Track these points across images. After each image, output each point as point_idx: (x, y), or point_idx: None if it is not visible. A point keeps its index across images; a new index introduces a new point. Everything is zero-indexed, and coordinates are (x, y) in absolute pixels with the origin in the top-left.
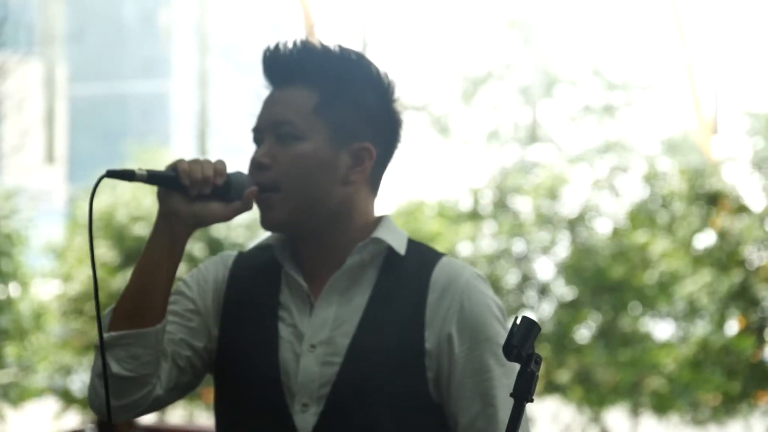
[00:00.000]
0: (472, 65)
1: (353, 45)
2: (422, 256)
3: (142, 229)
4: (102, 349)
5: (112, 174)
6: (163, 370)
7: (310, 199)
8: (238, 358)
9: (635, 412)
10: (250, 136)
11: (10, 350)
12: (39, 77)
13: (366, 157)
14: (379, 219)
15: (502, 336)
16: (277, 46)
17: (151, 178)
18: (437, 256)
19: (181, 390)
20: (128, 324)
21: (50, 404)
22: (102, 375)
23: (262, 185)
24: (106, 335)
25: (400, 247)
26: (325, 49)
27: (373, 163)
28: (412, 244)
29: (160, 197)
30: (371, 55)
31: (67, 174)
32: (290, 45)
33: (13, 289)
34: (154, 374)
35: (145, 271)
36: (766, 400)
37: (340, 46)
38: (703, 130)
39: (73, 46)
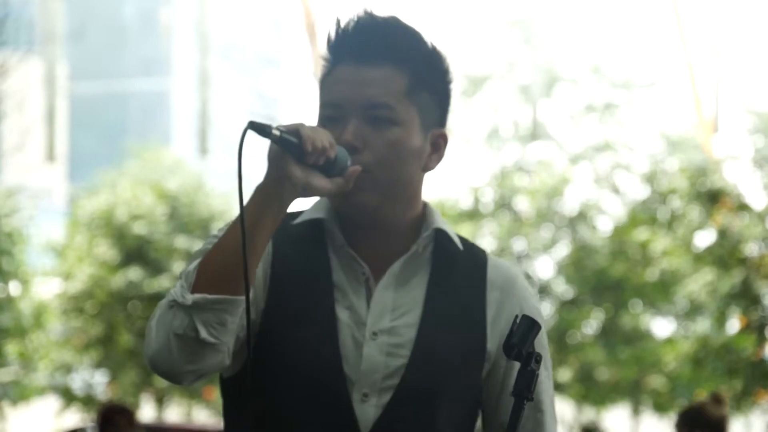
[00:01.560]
0: (472, 64)
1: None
2: (473, 251)
3: (142, 228)
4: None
5: (254, 125)
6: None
7: (399, 184)
8: (291, 338)
9: (636, 410)
10: (251, 134)
11: (11, 348)
12: (39, 76)
13: (442, 144)
14: (425, 207)
15: (546, 341)
16: (360, 19)
17: (281, 140)
18: (483, 251)
19: (238, 361)
20: (219, 288)
21: (51, 402)
22: (187, 337)
23: (360, 166)
24: (195, 296)
25: (458, 240)
26: (410, 29)
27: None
28: (461, 238)
29: (275, 160)
30: None
31: (68, 172)
32: (376, 19)
33: (13, 288)
34: (230, 343)
35: (250, 234)
36: (767, 398)
37: (413, 26)
38: (704, 129)
39: (73, 45)
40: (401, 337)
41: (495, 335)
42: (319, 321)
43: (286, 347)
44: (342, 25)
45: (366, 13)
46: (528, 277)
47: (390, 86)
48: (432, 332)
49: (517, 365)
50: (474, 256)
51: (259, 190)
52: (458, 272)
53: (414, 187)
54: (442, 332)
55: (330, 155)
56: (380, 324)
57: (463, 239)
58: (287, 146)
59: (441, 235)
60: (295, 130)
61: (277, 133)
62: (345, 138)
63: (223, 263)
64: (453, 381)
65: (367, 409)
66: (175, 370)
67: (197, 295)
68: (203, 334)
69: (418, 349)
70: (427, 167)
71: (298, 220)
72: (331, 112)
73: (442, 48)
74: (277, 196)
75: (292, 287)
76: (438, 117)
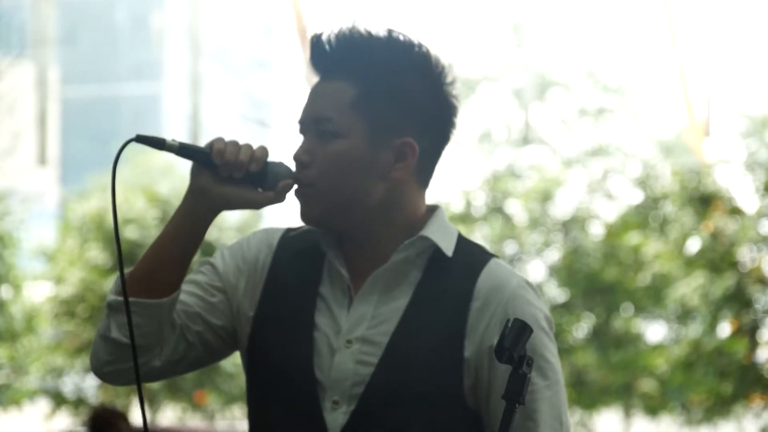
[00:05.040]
0: (466, 67)
1: (382, 28)
2: (469, 259)
3: (134, 232)
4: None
5: (142, 139)
6: (169, 342)
7: (346, 197)
8: (271, 344)
9: (627, 414)
10: (242, 138)
11: (2, 352)
12: (31, 79)
13: (409, 153)
14: (430, 213)
15: (549, 349)
16: (321, 35)
17: (182, 150)
18: (485, 258)
19: (188, 364)
20: (136, 292)
21: (41, 406)
22: (105, 336)
23: (300, 182)
24: (111, 297)
25: (448, 248)
26: (368, 38)
27: (419, 157)
28: (462, 244)
29: (192, 173)
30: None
31: (60, 176)
32: (334, 33)
33: (4, 292)
34: (155, 345)
35: (162, 243)
36: (759, 401)
37: (389, 31)
38: (696, 132)
39: (65, 49)
40: (374, 346)
41: (473, 343)
42: (298, 329)
43: (267, 353)
44: (312, 41)
45: (338, 28)
46: (527, 284)
47: (336, 99)
48: (406, 340)
49: (502, 371)
50: (468, 264)
51: (181, 202)
52: (447, 280)
53: (378, 198)
54: (417, 340)
55: (251, 169)
56: (355, 332)
57: (466, 244)
58: (201, 159)
59: (428, 243)
60: (210, 144)
61: (175, 143)
62: (295, 154)
63: (138, 269)
64: (426, 388)
65: (337, 416)
66: (97, 369)
67: (111, 297)
68: (114, 333)
69: (387, 357)
70: (389, 177)
71: (302, 228)
72: (299, 128)
73: (426, 54)
74: (192, 209)
75: (281, 296)
76: (405, 125)
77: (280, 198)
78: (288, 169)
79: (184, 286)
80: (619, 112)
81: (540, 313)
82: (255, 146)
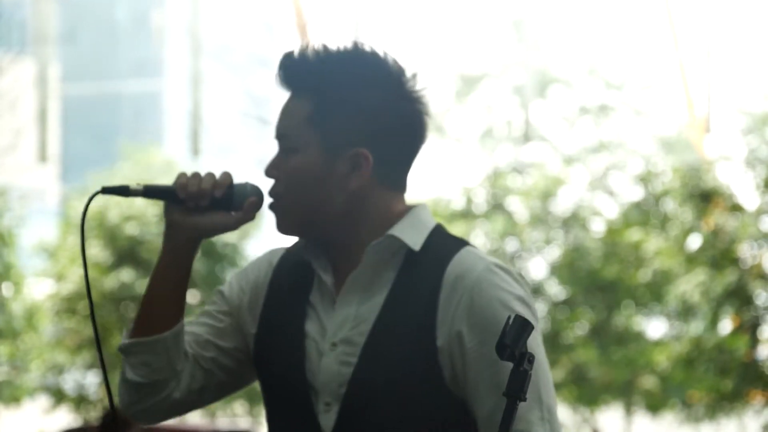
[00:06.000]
0: (466, 64)
1: (348, 42)
2: (440, 250)
3: (134, 229)
4: (102, 362)
5: (107, 190)
6: (185, 373)
7: (309, 208)
8: (268, 356)
9: (629, 411)
10: (242, 135)
11: (3, 349)
12: (32, 77)
13: (363, 163)
14: (408, 213)
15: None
16: (284, 56)
17: (147, 192)
18: (456, 247)
19: (214, 391)
20: (140, 332)
21: (42, 403)
22: (123, 380)
23: (270, 195)
24: (121, 343)
25: (416, 243)
26: (321, 55)
27: (380, 164)
28: (435, 237)
29: (164, 211)
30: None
31: (60, 173)
32: (297, 52)
33: (5, 289)
34: (171, 379)
35: (152, 281)
36: (760, 399)
37: (340, 48)
38: (697, 129)
39: (65, 46)
40: (354, 346)
41: (444, 332)
42: (289, 338)
43: (268, 366)
44: (280, 61)
45: (303, 47)
46: (496, 268)
47: (294, 116)
48: (381, 337)
49: (474, 356)
50: (438, 255)
51: (162, 242)
52: (419, 274)
53: (340, 207)
54: (392, 336)
55: (215, 195)
56: (339, 335)
57: (439, 237)
58: (166, 197)
59: (396, 241)
60: (175, 182)
61: (139, 188)
62: (264, 169)
63: (139, 312)
64: (404, 381)
65: (330, 418)
66: (126, 411)
67: (122, 342)
68: (129, 374)
69: (365, 355)
70: (348, 186)
71: (296, 247)
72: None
73: (385, 64)
74: (170, 243)
75: (277, 310)
76: (359, 136)
77: (248, 216)
78: (254, 187)
79: (198, 318)
80: (620, 109)
81: (508, 296)
82: (217, 174)
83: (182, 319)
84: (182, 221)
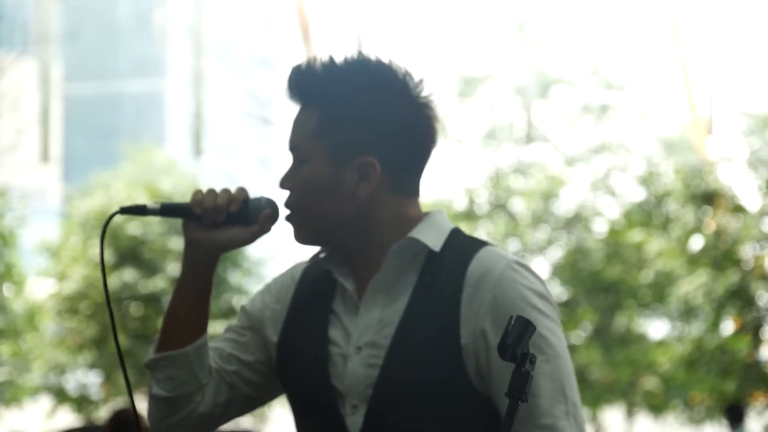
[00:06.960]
0: (469, 65)
1: (349, 44)
2: (460, 250)
3: (137, 229)
4: (125, 373)
5: (125, 210)
6: (210, 387)
7: (322, 217)
8: (292, 363)
9: (630, 411)
10: (245, 135)
11: (4, 349)
12: (34, 76)
13: (370, 171)
14: (423, 218)
15: (542, 324)
16: (292, 69)
17: (164, 210)
18: (477, 247)
19: (240, 405)
20: (163, 347)
21: (44, 403)
22: (151, 395)
23: (286, 207)
24: (146, 359)
25: (436, 244)
26: (327, 66)
27: (390, 171)
28: (454, 238)
29: (183, 228)
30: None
31: (62, 173)
32: (304, 65)
33: (6, 289)
34: (196, 393)
35: (174, 297)
36: (762, 400)
37: (358, 55)
38: (699, 130)
39: (67, 46)
40: (379, 348)
41: (468, 330)
42: (313, 344)
43: (292, 373)
44: (288, 75)
45: (309, 59)
46: (517, 265)
47: (303, 128)
48: (406, 339)
49: (497, 358)
50: (459, 255)
51: (182, 259)
52: (440, 275)
53: (351, 214)
54: (417, 337)
55: (231, 210)
56: (364, 338)
57: (459, 238)
58: (183, 214)
59: (417, 244)
60: (191, 199)
61: (156, 207)
62: (279, 181)
63: (162, 328)
64: (430, 381)
65: (357, 420)
66: (154, 428)
67: (147, 358)
68: (155, 389)
69: (390, 356)
70: (358, 195)
71: (320, 255)
72: None
73: (391, 72)
74: (189, 259)
75: (300, 319)
76: (366, 145)
77: (264, 229)
78: (269, 200)
79: (222, 335)
80: (622, 109)
81: (528, 291)
82: (233, 189)
83: (205, 333)
84: (200, 238)
